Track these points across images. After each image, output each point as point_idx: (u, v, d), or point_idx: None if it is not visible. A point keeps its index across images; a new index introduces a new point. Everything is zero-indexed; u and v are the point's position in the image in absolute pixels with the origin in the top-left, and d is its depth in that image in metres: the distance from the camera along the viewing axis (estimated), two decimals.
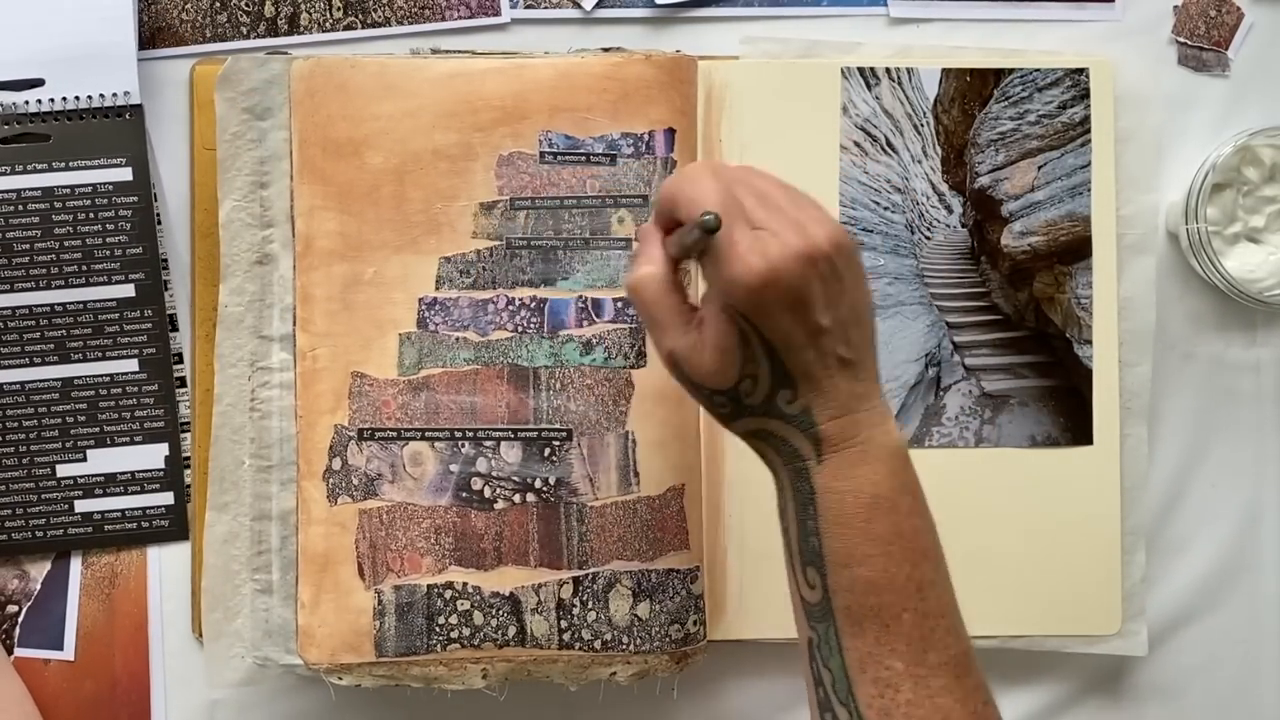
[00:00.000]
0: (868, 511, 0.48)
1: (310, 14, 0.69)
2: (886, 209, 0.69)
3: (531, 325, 0.64)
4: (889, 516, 0.49)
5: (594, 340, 0.64)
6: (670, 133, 0.66)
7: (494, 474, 0.64)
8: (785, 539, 0.51)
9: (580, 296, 0.65)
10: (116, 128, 0.66)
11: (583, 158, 0.65)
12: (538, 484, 0.64)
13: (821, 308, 0.48)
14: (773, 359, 0.49)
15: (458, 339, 0.64)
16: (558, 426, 0.64)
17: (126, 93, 0.66)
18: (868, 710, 0.48)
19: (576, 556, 0.64)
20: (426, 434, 0.64)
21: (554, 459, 0.64)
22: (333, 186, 0.64)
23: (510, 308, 0.64)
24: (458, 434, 0.64)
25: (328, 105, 0.64)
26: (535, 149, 0.64)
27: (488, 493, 0.64)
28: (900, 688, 0.48)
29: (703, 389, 0.51)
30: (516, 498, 0.64)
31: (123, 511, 0.67)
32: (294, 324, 0.65)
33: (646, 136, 0.65)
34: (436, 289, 0.64)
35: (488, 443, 0.64)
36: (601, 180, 0.65)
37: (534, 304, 0.65)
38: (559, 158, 0.65)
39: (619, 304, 0.64)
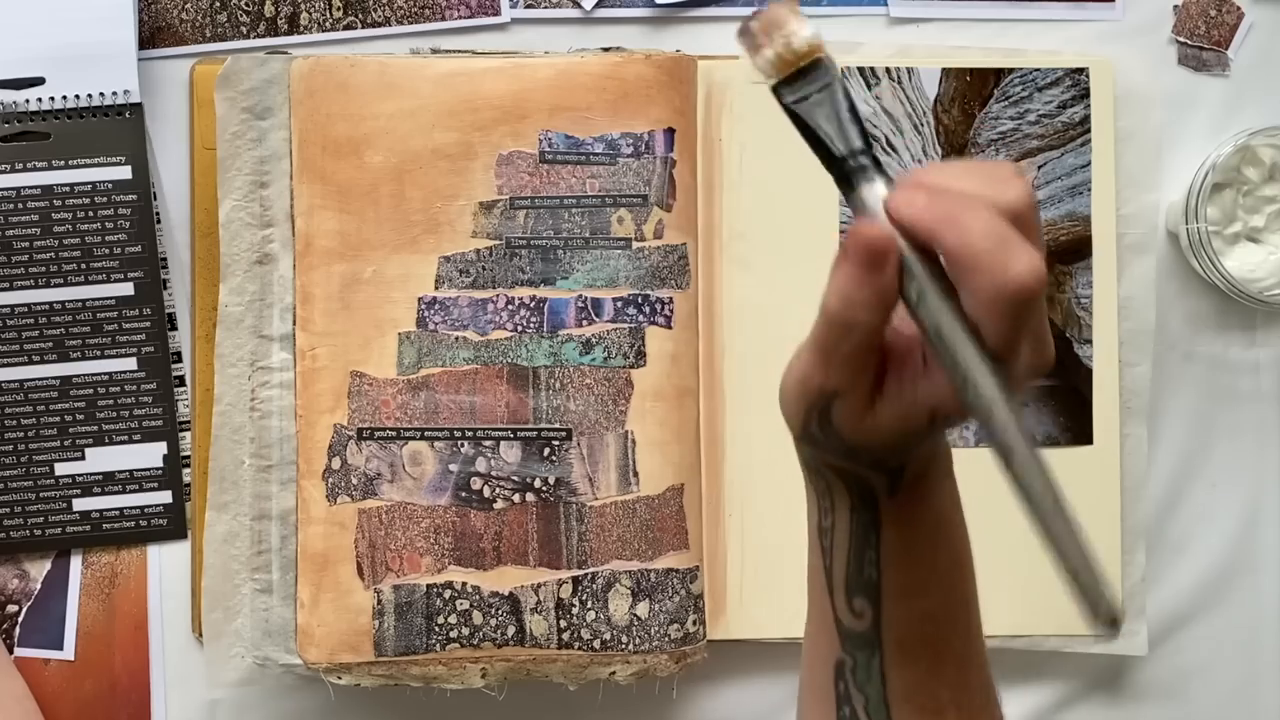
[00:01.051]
0: (933, 539, 0.44)
1: (310, 14, 0.69)
2: None
3: (531, 325, 0.65)
4: (950, 543, 0.45)
5: (593, 340, 0.65)
6: (670, 132, 0.66)
7: (493, 474, 0.64)
8: (824, 562, 0.46)
9: (580, 296, 0.65)
10: (116, 126, 0.66)
11: (582, 157, 0.65)
12: (537, 484, 0.64)
13: None
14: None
15: (457, 338, 0.65)
16: (557, 426, 0.64)
17: (126, 91, 0.66)
18: None
19: (576, 556, 0.64)
20: (426, 433, 0.64)
21: (553, 459, 0.64)
22: (332, 186, 0.65)
23: (510, 307, 0.65)
24: (457, 433, 0.64)
25: (328, 104, 0.65)
26: (535, 148, 0.65)
27: (487, 492, 0.64)
28: (945, 714, 0.45)
29: (850, 445, 0.42)
30: (516, 497, 0.64)
31: (121, 510, 0.68)
32: (294, 323, 0.65)
33: (646, 136, 0.65)
34: (436, 288, 0.65)
35: (487, 442, 0.64)
36: (601, 180, 0.65)
37: (533, 303, 0.65)
38: (559, 157, 0.65)
39: (618, 303, 0.65)
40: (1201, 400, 0.72)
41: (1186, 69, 0.72)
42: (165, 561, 0.69)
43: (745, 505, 0.68)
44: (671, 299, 0.66)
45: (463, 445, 0.64)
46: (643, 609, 0.64)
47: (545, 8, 0.69)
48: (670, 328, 0.66)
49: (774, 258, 0.68)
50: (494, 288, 0.65)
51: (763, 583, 0.67)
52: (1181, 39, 0.72)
